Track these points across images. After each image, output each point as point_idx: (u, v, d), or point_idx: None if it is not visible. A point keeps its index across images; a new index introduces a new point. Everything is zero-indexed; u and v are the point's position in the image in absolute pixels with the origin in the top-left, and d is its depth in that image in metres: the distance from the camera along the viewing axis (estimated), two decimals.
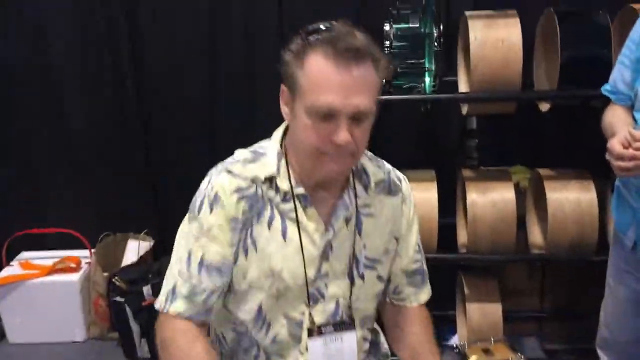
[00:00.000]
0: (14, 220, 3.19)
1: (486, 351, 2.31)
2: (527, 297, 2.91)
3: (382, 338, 1.61)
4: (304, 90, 1.22)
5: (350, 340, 1.40)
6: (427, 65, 2.43)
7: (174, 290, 1.34)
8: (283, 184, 1.34)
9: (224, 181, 1.33)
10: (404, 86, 2.48)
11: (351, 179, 1.39)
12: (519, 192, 2.70)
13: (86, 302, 3.05)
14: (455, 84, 2.66)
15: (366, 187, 1.41)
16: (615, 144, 1.58)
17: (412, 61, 2.44)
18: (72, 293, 2.99)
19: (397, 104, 2.61)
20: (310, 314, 1.38)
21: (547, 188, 2.47)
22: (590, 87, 2.07)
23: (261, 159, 1.36)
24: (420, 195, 2.49)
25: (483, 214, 2.45)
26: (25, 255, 3.20)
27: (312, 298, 1.38)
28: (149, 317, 2.86)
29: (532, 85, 2.56)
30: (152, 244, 3.16)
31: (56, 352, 2.96)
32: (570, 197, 2.43)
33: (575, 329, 2.88)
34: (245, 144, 1.43)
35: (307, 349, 1.39)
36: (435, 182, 2.56)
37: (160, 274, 2.83)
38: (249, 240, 1.34)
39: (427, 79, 2.48)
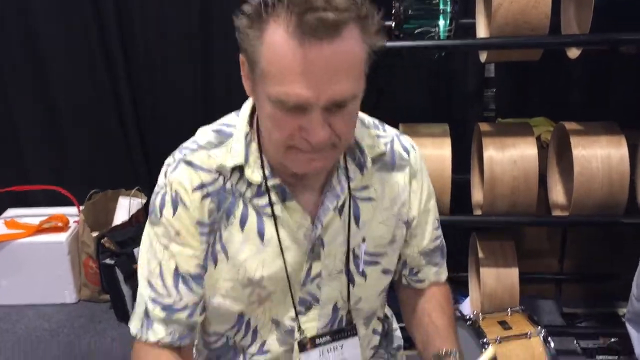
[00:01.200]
0: None
1: (502, 323, 2.12)
2: (545, 258, 2.73)
3: (395, 324, 1.41)
4: (265, 74, 0.94)
5: (352, 348, 1.19)
6: (441, 6, 2.17)
7: (147, 313, 1.10)
8: (254, 174, 1.08)
9: (183, 176, 1.08)
10: (415, 31, 2.21)
11: (341, 158, 1.12)
12: (541, 147, 2.47)
13: (76, 263, 2.89)
14: (472, 28, 2.39)
15: (361, 167, 1.14)
16: None
17: (425, 2, 2.17)
18: (60, 254, 2.83)
19: (407, 50, 2.35)
20: (299, 326, 1.15)
21: (573, 143, 2.23)
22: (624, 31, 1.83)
23: (227, 142, 1.10)
24: (432, 152, 2.26)
25: (501, 172, 2.23)
26: (10, 212, 3.04)
27: (304, 304, 1.16)
28: None
29: (557, 31, 2.29)
30: (144, 201, 2.97)
31: (46, 315, 2.82)
32: (599, 153, 2.20)
33: (595, 292, 2.72)
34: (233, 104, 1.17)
35: None
36: (449, 137, 2.32)
37: None
38: (217, 246, 1.10)
39: (442, 22, 2.22)
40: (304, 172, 1.05)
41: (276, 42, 0.91)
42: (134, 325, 1.12)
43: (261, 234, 1.10)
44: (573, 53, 2.20)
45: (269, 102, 0.95)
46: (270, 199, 1.09)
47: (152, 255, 1.11)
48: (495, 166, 2.24)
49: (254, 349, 1.18)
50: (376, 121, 1.22)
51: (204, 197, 1.07)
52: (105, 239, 2.71)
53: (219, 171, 1.08)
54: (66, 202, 2.95)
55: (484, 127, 2.40)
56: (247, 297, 1.13)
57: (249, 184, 1.09)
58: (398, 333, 1.39)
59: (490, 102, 2.69)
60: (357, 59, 0.94)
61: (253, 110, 1.11)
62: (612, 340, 2.35)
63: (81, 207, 2.91)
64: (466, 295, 2.68)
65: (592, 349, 2.39)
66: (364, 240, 1.16)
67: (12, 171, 3.06)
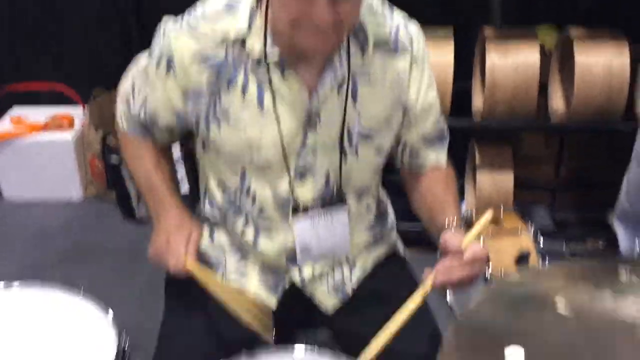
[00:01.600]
0: (1, 75, 3.02)
1: (495, 221, 2.20)
2: (542, 165, 2.78)
3: (390, 209, 1.47)
4: None
5: (341, 219, 1.25)
6: None
7: (121, 110, 1.32)
8: (255, 45, 1.11)
9: (183, 46, 1.12)
10: None
11: (344, 41, 1.14)
12: (544, 54, 2.47)
13: (82, 161, 2.95)
14: None
15: (363, 49, 1.16)
16: None
17: None
18: (67, 152, 2.89)
19: None
20: (292, 192, 1.22)
21: (576, 49, 2.23)
22: None
23: (233, 12, 1.12)
24: (435, 56, 2.26)
25: (503, 77, 2.24)
26: (16, 110, 3.06)
27: (298, 173, 1.21)
28: None
29: None
30: None
31: (53, 211, 2.91)
32: (601, 61, 2.21)
33: (588, 199, 2.79)
34: None
35: None
36: (452, 41, 2.32)
37: None
38: (218, 110, 1.15)
39: None
40: (308, 50, 1.08)
41: None
42: (118, 119, 1.34)
43: (260, 102, 1.14)
44: None
45: None
46: (269, 70, 1.12)
47: (136, 75, 1.27)
48: (496, 72, 2.26)
49: (254, 212, 1.25)
50: (386, 6, 1.22)
51: (203, 68, 1.12)
52: (111, 137, 2.75)
53: (223, 41, 1.11)
54: (71, 101, 2.98)
55: (488, 32, 2.40)
56: (248, 161, 1.19)
57: (250, 55, 1.12)
58: (392, 217, 1.45)
59: (495, 6, 2.67)
60: None
61: None
62: (600, 242, 2.43)
63: (86, 106, 2.94)
64: (461, 200, 2.76)
65: (580, 252, 2.48)
66: (359, 115, 1.19)
67: (17, 69, 3.06)
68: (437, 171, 1.33)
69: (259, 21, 1.11)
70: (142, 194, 1.33)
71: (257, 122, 1.16)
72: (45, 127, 2.90)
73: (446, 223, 1.20)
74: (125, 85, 1.30)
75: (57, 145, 2.88)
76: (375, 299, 1.31)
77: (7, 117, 2.99)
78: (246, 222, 1.28)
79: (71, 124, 2.93)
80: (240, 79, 1.13)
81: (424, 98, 1.25)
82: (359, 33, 1.15)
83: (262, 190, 1.23)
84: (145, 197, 1.31)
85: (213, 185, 1.30)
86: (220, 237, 1.33)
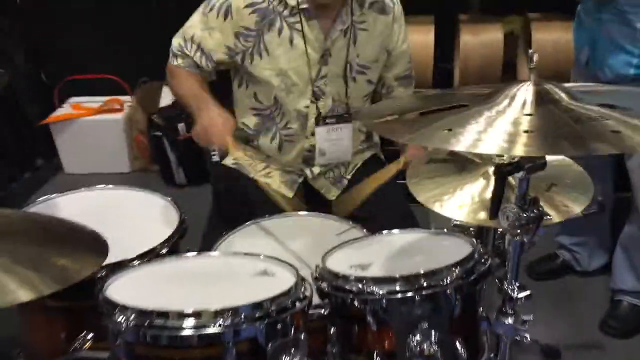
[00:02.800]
0: (62, 68, 3.59)
1: None
2: None
3: (376, 135, 2.01)
4: None
5: (347, 131, 1.78)
6: None
7: (174, 53, 1.78)
8: (291, 0, 1.65)
9: None
10: None
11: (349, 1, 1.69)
12: (512, 38, 2.99)
13: (130, 139, 3.50)
14: None
15: (361, 6, 1.72)
16: None
17: None
18: (117, 130, 3.44)
19: None
20: (317, 107, 1.75)
21: (533, 29, 2.75)
22: None
23: None
24: (417, 38, 2.79)
25: (473, 52, 2.76)
26: (74, 99, 3.63)
27: (315, 94, 1.74)
28: (184, 149, 3.31)
29: None
30: None
31: (106, 182, 3.43)
32: (552, 37, 2.72)
33: None
34: None
35: (312, 134, 1.77)
36: (433, 26, 2.85)
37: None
38: (261, 46, 1.69)
39: None
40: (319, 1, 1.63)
41: None
42: (170, 58, 1.79)
43: (291, 41, 1.68)
44: None
45: None
46: (300, 17, 1.66)
47: (193, 25, 1.73)
48: (468, 48, 2.78)
49: (281, 125, 1.79)
50: None
51: (252, 12, 1.65)
52: (155, 115, 3.31)
53: None
54: (120, 92, 3.54)
55: (463, 18, 2.93)
56: (278, 84, 1.72)
57: (286, 6, 1.66)
58: (377, 137, 1.99)
59: (474, 3, 3.19)
60: None
61: None
62: None
63: (133, 92, 3.51)
64: None
65: None
66: (357, 55, 1.74)
67: (74, 63, 3.63)
68: None
69: None
70: (187, 104, 1.74)
71: (287, 56, 1.69)
72: (99, 110, 3.46)
73: None
74: (180, 36, 1.78)
75: (109, 125, 3.44)
76: None
77: (67, 104, 3.56)
78: (273, 138, 1.81)
79: (121, 107, 3.49)
80: (277, 23, 1.67)
81: (400, 46, 1.83)
82: None
83: (289, 107, 1.76)
84: (190, 102, 1.73)
85: (247, 114, 1.83)
86: (252, 149, 1.87)
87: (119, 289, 1.12)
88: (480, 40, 2.76)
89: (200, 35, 1.72)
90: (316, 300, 1.21)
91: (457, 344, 1.15)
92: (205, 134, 1.64)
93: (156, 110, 3.36)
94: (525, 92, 1.02)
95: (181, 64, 1.79)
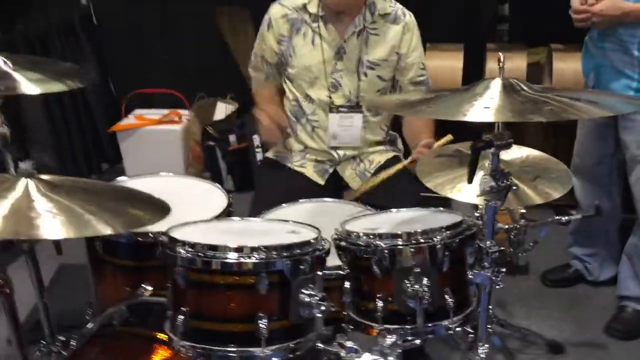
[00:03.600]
0: (128, 84, 4.02)
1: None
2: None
3: (400, 142, 2.33)
4: None
5: (358, 119, 2.13)
6: None
7: (250, 70, 2.31)
8: (312, 9, 2.07)
9: (276, 10, 2.11)
10: None
11: (363, 9, 2.07)
12: (539, 68, 3.26)
13: (186, 148, 3.87)
14: None
15: (373, 15, 2.08)
16: (575, 1, 2.17)
17: None
18: (176, 140, 3.82)
19: None
20: (330, 97, 2.12)
21: (555, 59, 3.02)
22: None
23: None
24: (446, 63, 3.10)
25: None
26: (138, 111, 4.04)
27: (332, 86, 2.12)
28: (234, 159, 3.67)
29: None
30: (235, 106, 3.92)
31: None
32: (573, 66, 2.97)
33: None
34: None
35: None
36: (462, 52, 3.15)
37: (243, 128, 3.62)
38: (291, 48, 2.11)
39: None
40: (333, 6, 2.02)
41: None
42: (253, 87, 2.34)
43: (312, 41, 2.08)
44: None
45: None
46: (319, 22, 2.06)
47: (256, 45, 2.20)
48: (493, 75, 3.05)
49: (309, 112, 2.16)
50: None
51: (285, 22, 2.07)
52: (210, 127, 3.68)
53: (295, 8, 2.07)
54: (179, 106, 3.94)
55: (490, 47, 3.22)
56: (305, 79, 2.11)
57: (310, 14, 2.06)
58: (400, 145, 2.35)
59: (504, 35, 3.48)
60: None
61: None
62: None
63: (191, 107, 3.90)
64: None
65: None
66: (367, 54, 2.09)
67: (140, 78, 4.06)
68: None
69: None
70: (259, 108, 2.22)
71: (310, 54, 2.08)
72: (160, 121, 3.86)
73: (425, 142, 2.07)
74: (250, 65, 2.30)
75: (169, 134, 3.82)
76: (382, 184, 2.12)
77: (132, 115, 3.97)
78: (305, 126, 2.17)
79: (180, 120, 3.87)
80: (303, 28, 2.07)
81: (411, 53, 2.14)
82: (371, 6, 2.07)
83: (313, 97, 2.13)
84: (260, 106, 2.24)
85: (288, 106, 2.21)
86: (291, 144, 2.24)
87: (179, 233, 1.43)
88: (506, 67, 3.03)
89: (260, 49, 2.18)
90: (337, 262, 1.50)
91: (446, 294, 1.42)
92: (260, 131, 2.13)
93: (210, 123, 3.74)
94: (496, 84, 1.32)
95: (254, 77, 2.30)
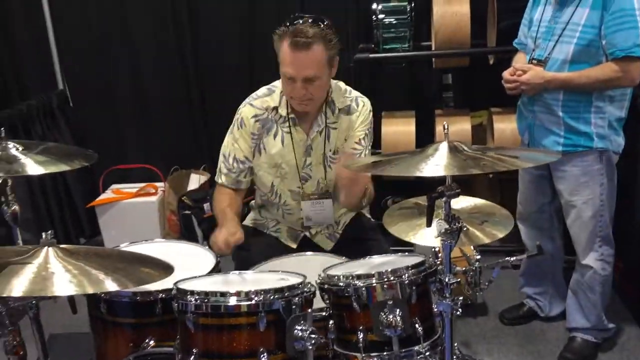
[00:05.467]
0: (105, 160, 4.23)
1: None
2: None
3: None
4: (280, 61, 2.16)
5: (328, 203, 2.37)
6: (404, 34, 3.38)
7: (220, 171, 2.38)
8: (282, 111, 2.30)
9: (247, 111, 2.32)
10: (387, 47, 3.43)
11: (324, 107, 2.31)
12: (481, 128, 3.65)
13: (162, 218, 4.09)
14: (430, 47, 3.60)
15: (333, 112, 2.32)
16: (505, 73, 2.54)
17: (393, 31, 3.38)
18: (152, 211, 4.03)
19: (383, 59, 3.62)
20: (302, 188, 2.36)
21: (495, 121, 3.40)
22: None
23: (272, 94, 2.32)
24: (401, 128, 3.46)
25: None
26: (115, 186, 4.26)
27: (303, 179, 2.36)
28: (209, 226, 3.90)
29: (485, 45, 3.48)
30: (208, 177, 4.18)
31: None
32: (510, 126, 3.35)
33: None
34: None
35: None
36: (414, 118, 3.52)
37: None
38: (261, 146, 2.33)
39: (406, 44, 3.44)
40: (298, 109, 2.25)
41: (283, 48, 2.12)
42: (217, 176, 2.39)
43: (282, 141, 2.31)
44: (491, 59, 3.39)
45: (282, 75, 2.18)
46: (289, 124, 2.29)
47: (227, 145, 2.35)
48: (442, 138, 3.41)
49: (280, 202, 2.38)
50: (348, 88, 2.41)
51: (256, 121, 2.30)
52: (185, 197, 3.93)
53: (266, 109, 2.30)
54: (154, 179, 4.18)
55: (438, 112, 3.60)
56: (274, 174, 2.34)
57: (280, 116, 2.29)
58: (368, 216, 2.60)
59: (449, 101, 3.88)
60: (322, 57, 2.12)
61: None
62: None
63: (166, 179, 4.15)
64: None
65: None
66: (330, 149, 2.32)
67: (116, 155, 4.31)
68: None
69: (283, 100, 2.29)
70: (217, 218, 2.29)
71: (280, 153, 2.31)
72: (137, 194, 4.08)
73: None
74: (220, 160, 2.40)
75: (145, 206, 4.04)
76: (352, 241, 2.43)
77: (109, 190, 4.20)
78: (277, 211, 2.42)
79: (156, 191, 4.11)
80: (273, 129, 2.31)
81: (354, 130, 2.35)
82: (330, 104, 2.33)
83: (283, 191, 2.37)
84: (218, 218, 2.29)
85: (258, 195, 2.46)
86: (265, 214, 2.49)
87: (186, 285, 1.68)
88: (452, 130, 3.40)
89: (230, 149, 2.35)
90: (321, 304, 1.77)
91: (416, 323, 1.69)
92: (212, 245, 2.20)
93: (185, 193, 3.99)
94: (443, 146, 1.64)
95: (224, 182, 2.38)
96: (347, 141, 2.36)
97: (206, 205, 3.91)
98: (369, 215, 2.56)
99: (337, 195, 2.30)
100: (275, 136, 2.31)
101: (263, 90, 2.36)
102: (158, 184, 4.17)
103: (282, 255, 2.25)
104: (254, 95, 2.35)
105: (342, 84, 2.40)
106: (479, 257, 2.28)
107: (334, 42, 2.15)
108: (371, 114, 2.40)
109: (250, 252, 2.35)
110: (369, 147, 2.41)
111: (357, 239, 2.40)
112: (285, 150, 2.31)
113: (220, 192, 2.38)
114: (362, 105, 2.38)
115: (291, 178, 2.34)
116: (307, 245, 2.43)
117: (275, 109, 2.30)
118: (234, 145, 2.33)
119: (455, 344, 1.89)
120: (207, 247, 2.27)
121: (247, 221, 2.57)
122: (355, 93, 2.41)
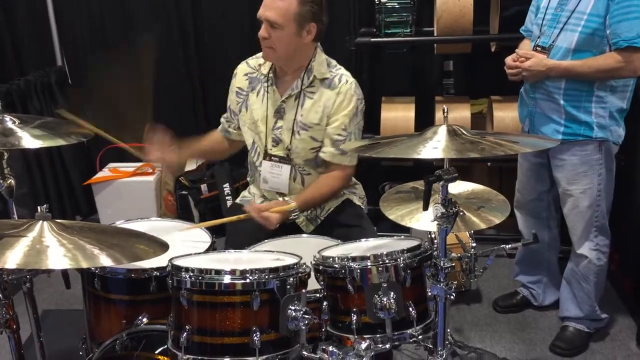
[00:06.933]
0: (102, 138, 4.22)
1: None
2: None
3: (360, 187, 2.61)
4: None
5: (286, 170, 2.38)
6: (406, 18, 3.35)
7: (222, 124, 2.59)
8: (264, 70, 2.36)
9: (241, 67, 2.44)
10: (389, 32, 3.41)
11: (302, 73, 2.31)
12: (482, 117, 3.64)
13: (159, 198, 4.08)
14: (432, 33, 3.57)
15: (310, 79, 2.31)
16: (508, 58, 2.53)
17: (395, 15, 3.36)
18: (149, 190, 4.02)
19: (385, 44, 3.59)
20: (271, 149, 2.39)
21: (495, 108, 3.39)
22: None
23: (258, 56, 2.40)
24: (402, 114, 3.45)
25: None
26: (112, 165, 4.24)
27: (274, 140, 2.38)
28: (206, 207, 3.90)
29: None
30: None
31: None
32: (510, 114, 3.35)
33: None
34: None
35: None
36: (414, 104, 3.50)
37: (213, 177, 3.87)
38: (248, 102, 2.40)
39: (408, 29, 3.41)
40: (263, 56, 2.34)
41: None
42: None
43: (262, 100, 2.36)
44: (493, 47, 3.37)
45: None
46: (268, 82, 2.35)
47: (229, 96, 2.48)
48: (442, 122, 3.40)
49: (257, 162, 2.43)
50: (338, 65, 2.41)
51: (246, 79, 2.39)
52: (182, 177, 3.92)
53: (255, 68, 2.38)
54: None
55: (437, 99, 3.58)
56: (253, 131, 2.40)
57: (262, 74, 2.36)
58: (357, 201, 2.58)
59: (449, 88, 3.87)
60: (287, 9, 2.15)
61: None
62: None
63: None
64: None
65: None
66: (302, 115, 2.32)
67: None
68: (335, 171, 2.40)
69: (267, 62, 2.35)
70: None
71: (258, 110, 2.37)
72: (134, 174, 4.07)
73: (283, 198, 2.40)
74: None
75: (142, 185, 4.02)
76: (334, 225, 2.42)
77: (106, 169, 4.18)
78: (259, 175, 2.43)
79: (153, 171, 4.10)
80: (257, 86, 2.37)
81: (336, 114, 2.33)
82: (309, 73, 2.32)
83: (259, 148, 2.41)
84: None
85: (249, 155, 2.48)
86: (253, 190, 2.53)
87: (182, 262, 1.67)
88: (452, 116, 3.39)
89: (229, 100, 2.49)
90: (316, 286, 1.76)
91: (409, 306, 1.69)
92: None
93: (182, 173, 3.97)
94: (442, 129, 1.63)
95: (219, 128, 2.56)
96: (329, 127, 2.34)
97: (203, 186, 3.91)
98: (359, 203, 2.55)
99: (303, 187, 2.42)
100: (258, 94, 2.40)
101: (258, 55, 2.44)
102: (155, 164, 4.15)
103: (266, 238, 2.22)
104: (250, 57, 2.47)
105: (333, 61, 2.41)
106: (474, 244, 2.29)
107: (312, 5, 2.19)
108: (357, 98, 2.34)
109: (237, 232, 2.37)
110: (357, 132, 2.39)
111: (339, 224, 2.40)
112: (263, 109, 2.38)
113: (212, 134, 2.61)
114: (345, 83, 2.32)
115: (265, 138, 2.40)
116: (289, 226, 2.39)
117: (260, 66, 2.40)
118: (230, 96, 2.49)
119: (448, 330, 1.90)
120: (204, 228, 2.27)
121: (238, 200, 2.62)
122: (344, 72, 2.38)
